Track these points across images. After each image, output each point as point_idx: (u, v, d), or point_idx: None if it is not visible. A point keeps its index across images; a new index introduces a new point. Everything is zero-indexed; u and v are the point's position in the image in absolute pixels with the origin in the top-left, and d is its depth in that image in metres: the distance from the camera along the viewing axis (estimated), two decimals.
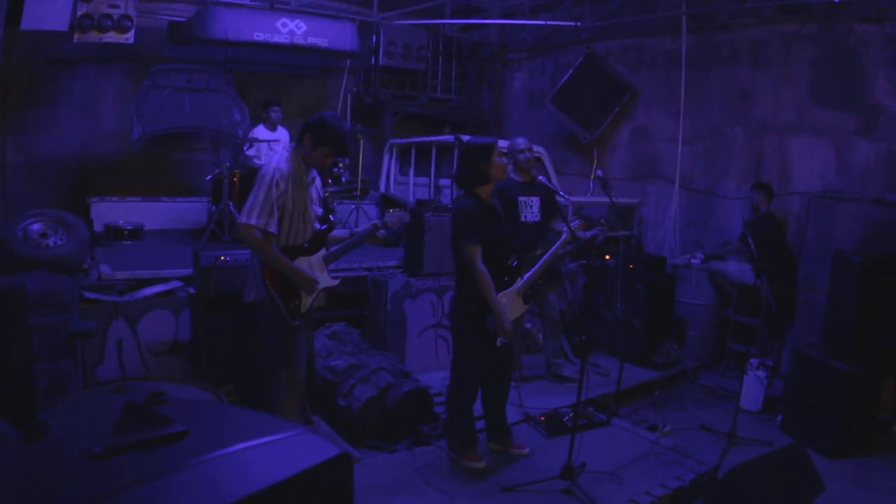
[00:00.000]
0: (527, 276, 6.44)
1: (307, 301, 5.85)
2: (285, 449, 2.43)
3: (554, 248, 6.69)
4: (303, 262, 5.79)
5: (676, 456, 6.96)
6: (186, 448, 2.36)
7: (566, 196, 7.57)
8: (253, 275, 5.81)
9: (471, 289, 6.14)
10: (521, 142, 8.16)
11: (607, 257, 9.08)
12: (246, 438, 2.40)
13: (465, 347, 6.42)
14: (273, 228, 5.55)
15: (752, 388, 8.69)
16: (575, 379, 8.41)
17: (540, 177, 7.47)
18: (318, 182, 6.12)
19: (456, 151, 11.93)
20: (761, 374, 8.78)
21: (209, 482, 2.21)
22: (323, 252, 6.06)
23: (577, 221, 6.92)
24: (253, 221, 5.45)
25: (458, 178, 6.47)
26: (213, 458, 2.29)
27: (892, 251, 8.62)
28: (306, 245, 5.87)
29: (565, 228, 6.73)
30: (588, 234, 7.16)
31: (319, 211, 6.06)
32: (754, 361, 8.89)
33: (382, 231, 6.20)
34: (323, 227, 6.06)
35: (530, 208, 7.96)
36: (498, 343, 6.20)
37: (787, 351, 9.07)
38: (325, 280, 6.00)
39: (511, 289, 6.32)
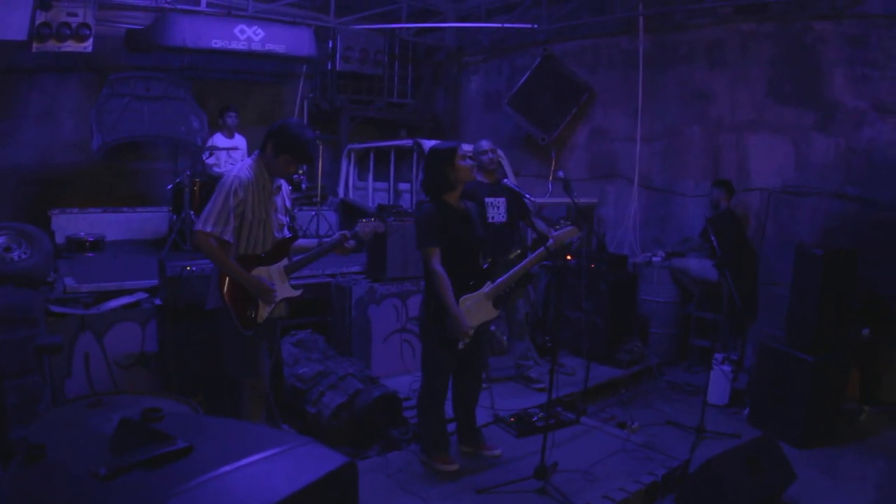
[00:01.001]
0: (498, 280, 6.44)
1: (264, 311, 5.79)
2: (292, 461, 2.43)
3: (530, 258, 6.63)
4: (261, 272, 5.74)
5: (647, 452, 7.02)
6: (192, 465, 2.35)
7: (531, 198, 7.59)
8: (213, 283, 5.81)
9: (430, 291, 6.22)
10: (484, 144, 8.24)
11: (568, 258, 9.14)
12: (251, 452, 2.39)
13: (430, 349, 6.45)
14: (228, 237, 5.52)
15: (718, 382, 8.75)
16: (542, 381, 8.54)
17: (504, 179, 7.53)
18: (284, 190, 6.10)
19: (415, 155, 11.97)
20: (726, 368, 8.86)
21: (220, 500, 2.20)
22: (285, 262, 5.97)
23: (561, 231, 6.82)
24: (208, 229, 5.44)
25: (424, 185, 6.45)
26: (222, 475, 2.28)
27: (852, 244, 8.74)
28: (264, 255, 5.81)
29: (549, 242, 6.65)
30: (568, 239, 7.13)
31: (285, 220, 6.05)
32: (719, 356, 8.96)
33: (352, 242, 6.15)
34: (286, 237, 6.03)
35: (497, 209, 7.99)
36: (459, 345, 6.23)
37: (749, 345, 9.17)
38: (285, 290, 5.93)
39: (478, 292, 6.30)
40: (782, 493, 6.27)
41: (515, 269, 6.48)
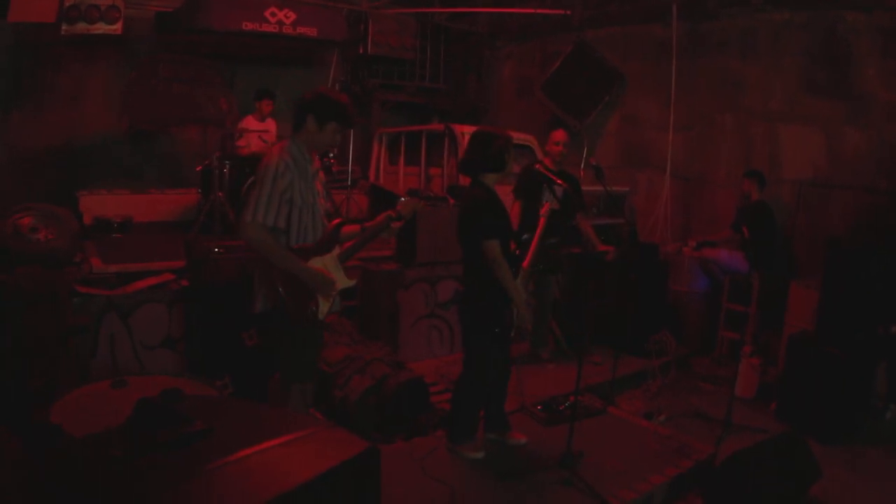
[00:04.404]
0: (526, 266, 6.38)
1: (326, 305, 5.30)
2: (313, 445, 2.40)
3: (538, 240, 6.58)
4: (316, 263, 5.20)
5: (673, 444, 6.96)
6: (211, 447, 2.31)
7: (562, 185, 7.53)
8: (261, 281, 5.26)
9: (490, 284, 6.04)
10: (557, 135, 8.61)
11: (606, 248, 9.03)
12: (271, 436, 2.36)
13: (481, 344, 6.31)
14: (283, 225, 5.05)
15: (746, 375, 8.69)
16: (553, 361, 8.58)
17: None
18: (321, 174, 5.64)
19: (446, 140, 11.94)
20: (755, 361, 8.78)
21: (239, 482, 2.18)
22: (337, 250, 5.42)
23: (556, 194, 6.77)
24: (260, 219, 4.91)
25: (474, 164, 6.28)
26: (241, 458, 2.24)
27: (884, 238, 8.64)
28: (316, 244, 5.27)
29: (550, 203, 6.61)
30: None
31: (328, 205, 5.68)
32: (748, 349, 8.89)
33: (398, 222, 5.70)
34: (336, 222, 5.49)
35: (553, 197, 7.94)
36: (512, 334, 6.18)
37: (780, 338, 9.07)
38: (342, 280, 5.42)
39: (518, 280, 6.24)
40: (808, 489, 6.20)
41: (531, 253, 6.42)
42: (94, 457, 2.27)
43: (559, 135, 8.58)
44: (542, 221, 6.66)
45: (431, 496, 5.77)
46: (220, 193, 10.47)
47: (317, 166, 5.45)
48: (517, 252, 6.37)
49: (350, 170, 13.07)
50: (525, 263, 6.37)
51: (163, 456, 2.27)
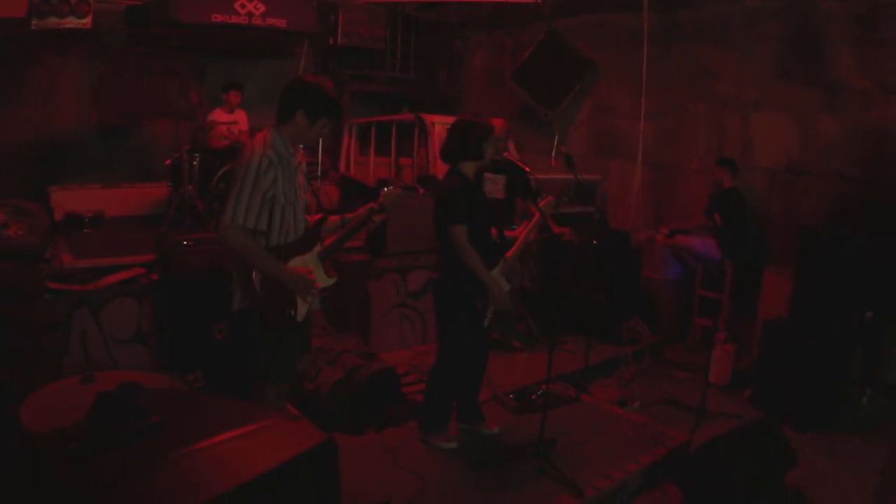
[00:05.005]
0: (509, 256, 6.36)
1: (304, 307, 5.10)
2: (271, 437, 2.39)
3: (527, 229, 6.58)
4: (297, 262, 5.00)
5: (647, 431, 6.98)
6: (167, 440, 2.30)
7: (532, 172, 7.51)
8: (238, 279, 5.01)
9: (461, 271, 6.02)
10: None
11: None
12: (227, 429, 2.34)
13: (455, 333, 6.30)
14: (263, 227, 4.78)
15: (720, 362, 8.71)
16: (525, 350, 8.59)
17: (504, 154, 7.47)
18: (303, 165, 5.35)
19: (416, 130, 11.95)
20: (729, 347, 8.80)
21: (192, 475, 2.16)
22: (318, 247, 5.22)
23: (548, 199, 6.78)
24: (239, 221, 4.65)
25: (451, 152, 6.25)
26: (195, 451, 2.23)
27: (857, 225, 8.68)
28: (297, 242, 5.05)
29: (539, 208, 6.61)
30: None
31: (309, 197, 5.41)
32: (721, 335, 8.92)
33: (380, 215, 5.51)
34: (317, 218, 5.30)
35: (495, 184, 7.94)
36: (485, 324, 6.17)
37: (753, 325, 9.10)
38: (322, 279, 5.20)
39: (496, 269, 6.21)
40: (784, 476, 6.21)
41: (519, 243, 6.40)
42: (50, 451, 2.26)
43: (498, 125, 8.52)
44: (536, 215, 6.62)
45: (404, 487, 5.76)
46: (189, 187, 10.43)
47: (300, 158, 5.20)
48: (498, 241, 6.36)
49: (320, 161, 13.02)
50: (509, 253, 6.35)
51: (118, 450, 2.25)
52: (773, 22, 10.21)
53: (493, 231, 6.35)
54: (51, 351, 7.01)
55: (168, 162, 11.23)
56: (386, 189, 5.58)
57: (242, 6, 11.83)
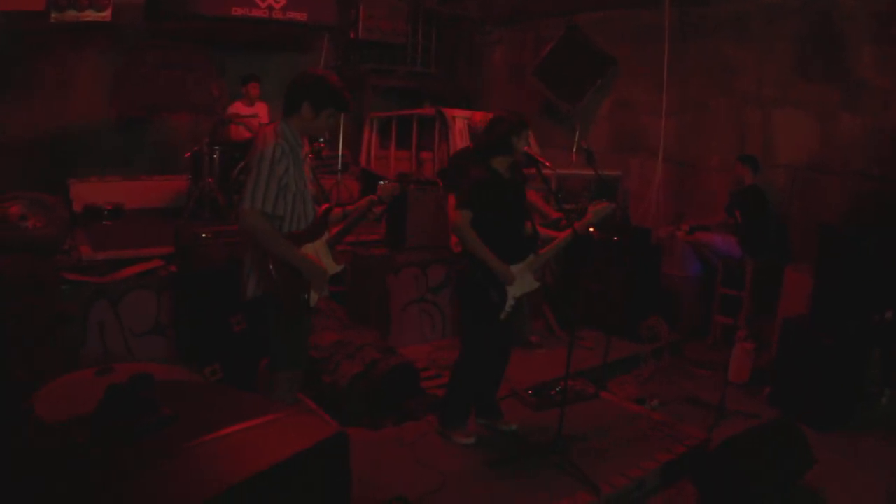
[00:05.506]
0: (541, 252, 6.31)
1: (317, 293, 5.22)
2: (281, 430, 2.37)
3: (560, 241, 6.48)
4: (308, 249, 5.15)
5: (665, 429, 6.93)
6: (177, 433, 2.29)
7: (550, 167, 7.48)
8: (253, 267, 5.15)
9: (474, 261, 6.05)
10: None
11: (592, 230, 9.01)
12: (238, 421, 2.34)
13: (473, 325, 6.37)
14: (282, 212, 4.97)
15: (740, 360, 8.66)
16: (542, 345, 8.59)
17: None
18: (309, 157, 5.55)
19: (437, 124, 11.93)
20: (748, 346, 8.75)
21: (202, 468, 2.15)
22: (326, 236, 5.37)
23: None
24: (258, 206, 4.80)
25: (481, 146, 6.38)
26: (204, 443, 2.22)
27: (877, 224, 8.61)
28: (309, 229, 5.23)
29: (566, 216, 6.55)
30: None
31: (314, 190, 5.49)
32: (741, 333, 8.87)
33: (380, 206, 5.64)
34: (324, 208, 5.45)
35: None
36: (502, 316, 6.14)
37: (773, 323, 9.04)
38: (331, 267, 5.36)
39: (522, 263, 6.19)
40: (802, 476, 6.16)
41: (556, 244, 6.35)
42: (59, 443, 2.25)
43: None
44: (588, 216, 6.54)
45: (420, 482, 5.73)
46: (209, 179, 10.45)
47: (306, 150, 5.35)
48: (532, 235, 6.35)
49: (340, 154, 13.02)
50: (543, 250, 6.32)
51: (126, 442, 2.25)
52: (792, 19, 10.14)
53: (528, 225, 6.35)
54: (67, 342, 7.02)
55: (188, 154, 11.24)
56: (382, 182, 5.68)
57: None
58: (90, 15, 10.48)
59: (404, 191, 6.25)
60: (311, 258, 5.14)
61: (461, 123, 11.37)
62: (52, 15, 10.28)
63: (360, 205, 5.60)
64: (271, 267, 4.96)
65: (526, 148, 6.21)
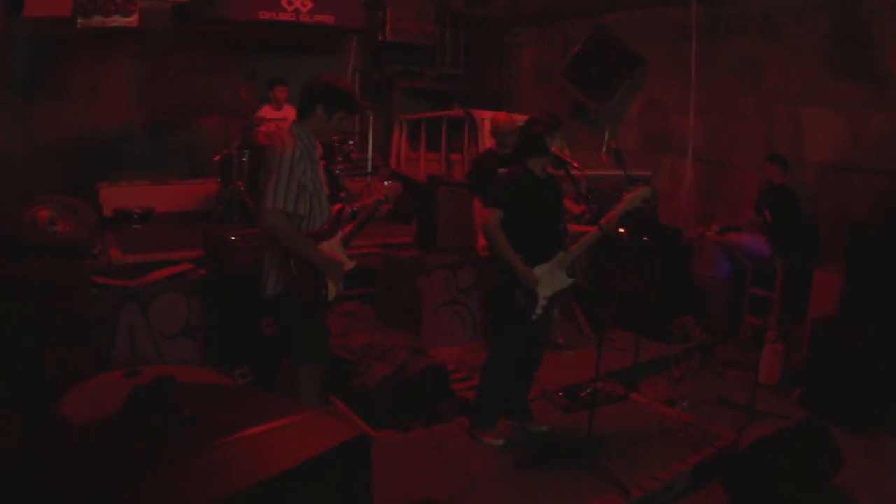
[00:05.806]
0: (571, 249, 6.33)
1: (334, 288, 5.46)
2: (301, 432, 2.38)
3: (590, 236, 6.48)
4: (324, 248, 5.34)
5: (695, 430, 6.90)
6: (197, 434, 2.31)
7: (579, 168, 7.46)
8: (273, 264, 5.35)
9: (502, 262, 6.08)
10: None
11: (621, 231, 8.99)
12: (259, 423, 2.36)
13: (502, 326, 6.38)
14: (302, 211, 5.18)
15: (770, 361, 8.60)
16: (570, 347, 8.57)
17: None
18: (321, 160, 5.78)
19: (466, 126, 11.97)
20: (778, 347, 8.69)
21: (221, 468, 2.16)
22: (340, 233, 5.60)
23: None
24: (280, 206, 5.00)
25: (518, 149, 6.42)
26: (225, 445, 2.23)
27: None
28: (325, 228, 5.44)
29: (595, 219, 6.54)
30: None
31: (328, 190, 5.70)
32: (772, 334, 8.81)
33: (386, 205, 5.96)
34: (337, 208, 5.66)
35: None
36: (532, 317, 6.13)
37: (803, 324, 8.98)
38: (346, 263, 5.57)
39: (551, 262, 6.20)
40: (831, 478, 6.11)
41: (586, 238, 6.33)
42: (82, 442, 2.27)
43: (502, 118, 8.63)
44: (622, 204, 6.52)
45: (450, 484, 5.73)
46: (239, 182, 10.49)
47: (320, 152, 5.57)
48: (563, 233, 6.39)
49: (370, 157, 13.05)
50: (574, 246, 6.32)
51: (146, 443, 2.28)
52: (819, 16, 10.07)
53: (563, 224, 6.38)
54: (95, 345, 7.06)
55: (217, 158, 11.27)
56: (386, 182, 6.05)
57: (290, 2, 11.88)
58: (117, 20, 10.54)
59: (426, 193, 6.38)
60: (331, 254, 5.38)
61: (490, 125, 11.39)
62: (79, 20, 10.35)
63: (369, 204, 5.91)
64: (292, 264, 5.17)
65: (554, 149, 6.20)
